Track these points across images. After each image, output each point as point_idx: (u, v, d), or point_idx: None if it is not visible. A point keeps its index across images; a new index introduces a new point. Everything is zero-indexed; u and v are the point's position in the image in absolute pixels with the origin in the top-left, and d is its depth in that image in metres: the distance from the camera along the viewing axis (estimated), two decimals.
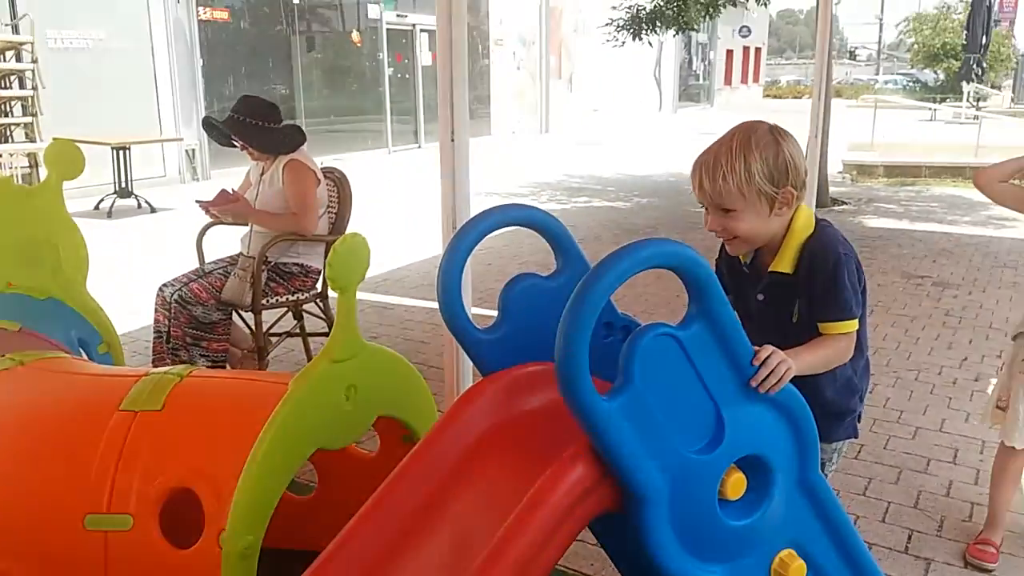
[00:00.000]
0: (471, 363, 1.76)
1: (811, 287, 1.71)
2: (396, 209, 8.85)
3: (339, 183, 3.71)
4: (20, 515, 1.83)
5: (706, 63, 30.80)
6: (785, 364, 1.39)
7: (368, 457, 2.40)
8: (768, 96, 37.29)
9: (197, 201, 3.54)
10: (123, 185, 8.99)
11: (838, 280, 1.69)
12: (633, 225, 8.22)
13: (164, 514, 1.80)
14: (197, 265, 3.62)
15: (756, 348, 1.38)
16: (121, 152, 8.96)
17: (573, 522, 1.30)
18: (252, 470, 1.71)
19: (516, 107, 18.44)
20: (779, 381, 1.38)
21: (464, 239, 1.52)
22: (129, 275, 6.04)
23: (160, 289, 3.45)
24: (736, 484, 1.36)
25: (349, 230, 3.96)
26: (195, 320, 3.38)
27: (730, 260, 1.88)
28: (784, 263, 1.75)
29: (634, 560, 1.51)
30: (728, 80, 32.93)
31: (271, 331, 3.71)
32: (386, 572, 1.36)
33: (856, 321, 1.72)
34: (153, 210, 8.86)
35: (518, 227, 1.65)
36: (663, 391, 1.28)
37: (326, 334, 3.90)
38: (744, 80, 34.64)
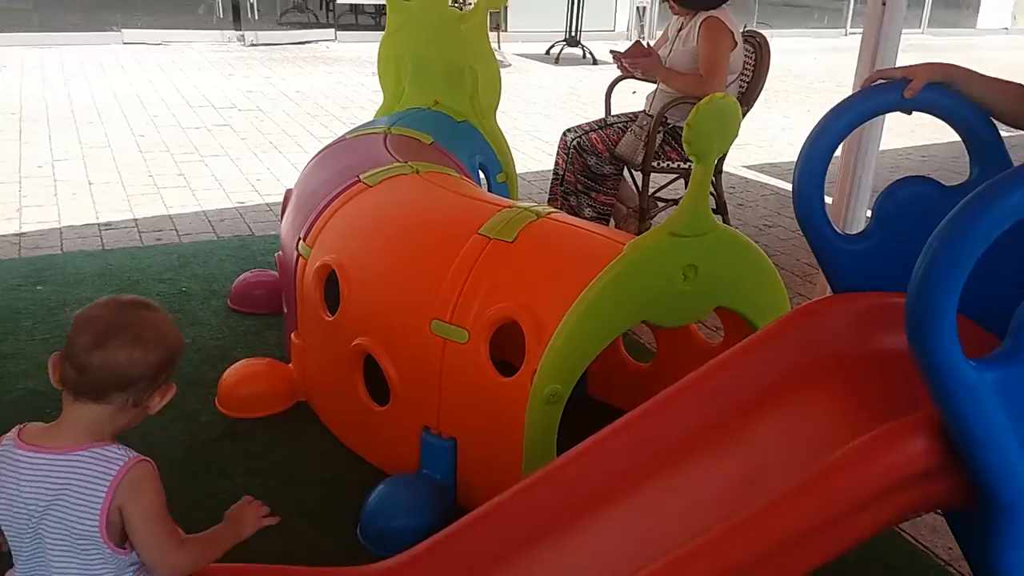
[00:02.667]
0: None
1: None
2: (825, 93, 8.01)
3: (758, 49, 3.37)
4: (385, 303, 2.06)
5: None
6: None
7: (709, 345, 2.26)
8: None
9: (611, 51, 3.50)
10: (572, 34, 9.44)
11: None
12: None
13: (497, 339, 1.89)
14: (603, 116, 3.64)
15: None
16: (575, 3, 9.37)
17: (893, 505, 1.04)
18: (569, 322, 1.69)
19: None
20: None
21: (838, 119, 1.23)
22: (551, 116, 6.42)
23: (564, 133, 3.55)
24: None
25: (760, 105, 3.66)
26: (588, 169, 3.44)
27: None
28: None
29: (975, 565, 1.20)
30: None
31: (658, 194, 3.64)
32: (658, 474, 1.25)
33: None
34: (595, 62, 9.18)
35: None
36: None
37: (715, 211, 3.73)
38: None
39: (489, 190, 3.06)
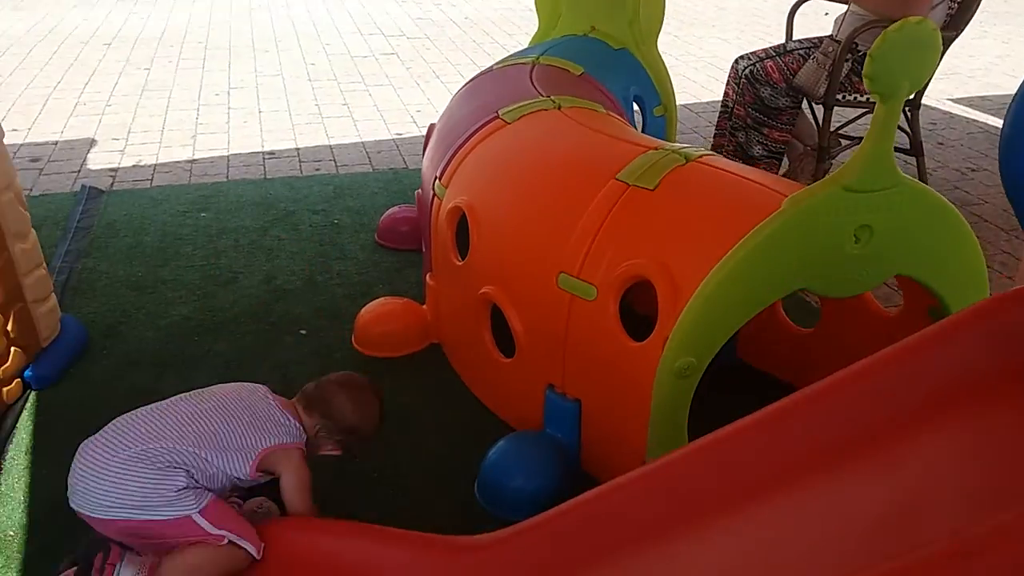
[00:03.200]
0: None
1: None
2: None
3: None
4: (512, 251, 1.92)
5: None
6: None
7: (885, 314, 1.96)
8: None
9: None
10: None
11: None
12: None
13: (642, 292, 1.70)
14: (783, 41, 3.24)
15: None
16: None
17: None
18: (709, 286, 1.47)
19: None
20: None
21: None
22: (730, 41, 5.91)
23: (735, 61, 3.20)
24: None
25: (973, 29, 3.11)
26: (761, 102, 3.08)
27: None
28: None
29: None
30: None
31: (841, 131, 3.23)
32: (788, 485, 1.04)
33: None
34: None
35: None
36: None
37: (908, 151, 3.26)
38: None
39: (643, 125, 2.82)
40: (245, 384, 1.68)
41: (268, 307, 2.58)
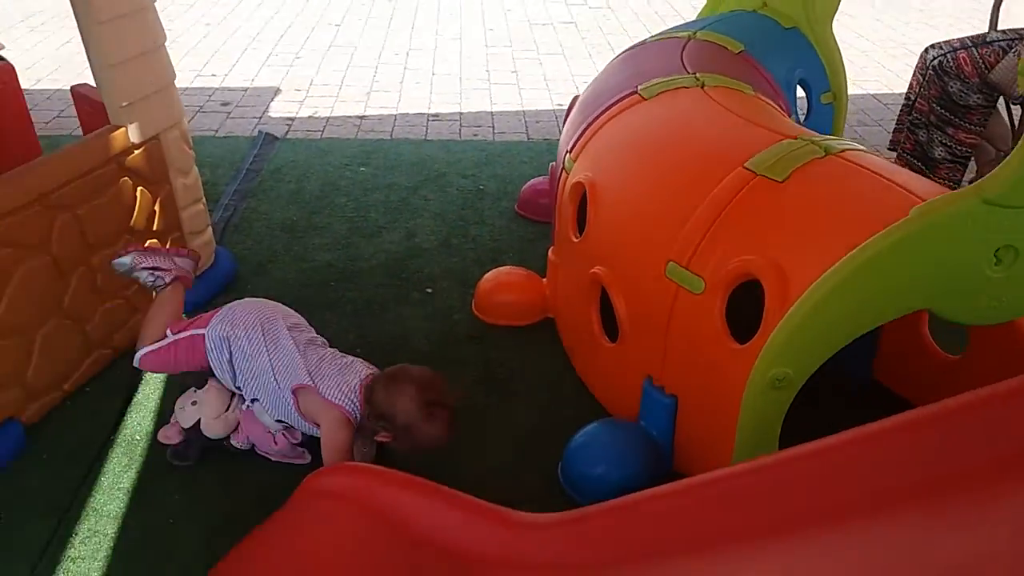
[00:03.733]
0: None
1: None
2: None
3: None
4: (626, 233, 1.86)
5: None
6: None
7: None
8: None
9: None
10: None
11: None
12: None
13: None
14: (986, 31, 2.89)
15: None
16: None
17: None
18: (815, 295, 1.35)
19: None
20: None
21: None
22: (938, 27, 5.34)
23: (925, 50, 2.90)
24: None
25: None
26: (948, 97, 2.78)
27: None
28: None
29: None
30: None
31: None
32: (851, 519, 0.94)
33: None
34: None
35: None
36: None
37: None
38: None
39: (807, 112, 2.63)
40: (358, 359, 1.84)
41: (402, 263, 2.67)
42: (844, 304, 1.35)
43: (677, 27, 2.71)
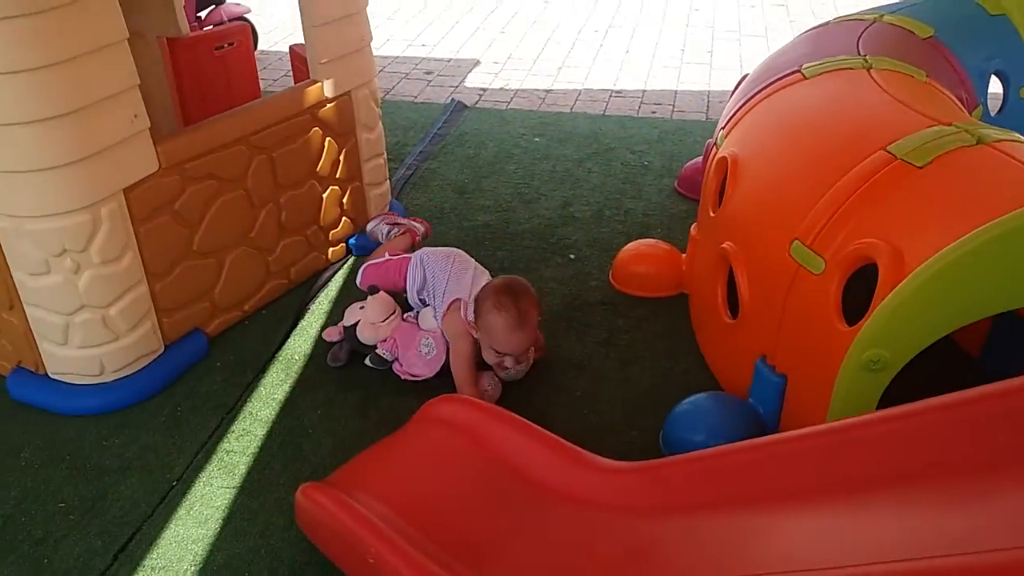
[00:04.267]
0: None
1: None
2: None
3: None
4: (757, 210, 1.84)
5: None
6: None
7: None
8: None
9: None
10: None
11: None
12: None
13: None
14: None
15: None
16: None
17: None
18: (919, 278, 1.29)
19: None
20: None
21: None
22: None
23: None
24: None
25: None
26: None
27: None
28: None
29: None
30: None
31: None
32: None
33: None
34: None
35: None
36: None
37: None
38: None
39: (1002, 105, 2.42)
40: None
41: (553, 229, 2.78)
42: (953, 289, 1.29)
43: (871, 9, 2.58)
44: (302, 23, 2.30)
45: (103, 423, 1.97)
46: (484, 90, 4.11)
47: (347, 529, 1.42)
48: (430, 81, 4.25)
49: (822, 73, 2.03)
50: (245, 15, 4.28)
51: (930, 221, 1.45)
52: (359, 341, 2.10)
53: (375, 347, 2.09)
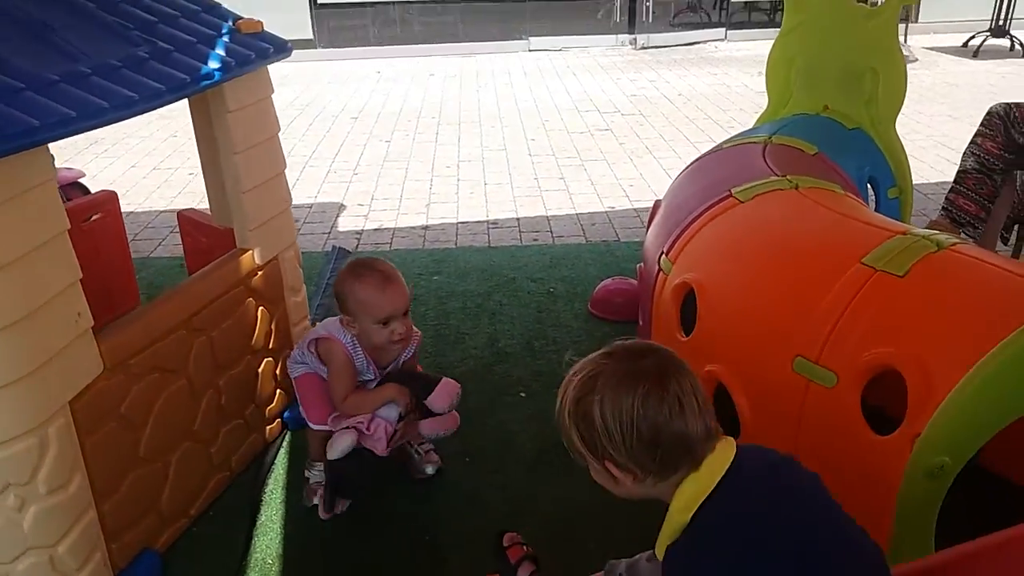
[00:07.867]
0: None
1: None
2: None
3: None
4: (744, 330, 1.91)
5: None
6: None
7: None
8: None
9: None
10: (1000, 22, 8.07)
11: None
12: None
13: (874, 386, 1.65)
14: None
15: None
16: None
17: None
18: (975, 382, 1.39)
19: None
20: None
21: None
22: (960, 119, 5.54)
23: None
24: None
25: None
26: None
27: None
28: None
29: None
30: None
31: None
32: None
33: None
34: None
35: None
36: None
37: None
38: None
39: (877, 207, 2.73)
40: None
41: (490, 368, 2.72)
42: (1003, 390, 1.39)
43: (746, 132, 2.85)
44: (227, 191, 2.15)
45: None
46: (360, 232, 4.03)
47: None
48: (299, 229, 4.10)
49: (756, 196, 2.19)
50: (79, 179, 3.95)
51: (937, 326, 1.57)
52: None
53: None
